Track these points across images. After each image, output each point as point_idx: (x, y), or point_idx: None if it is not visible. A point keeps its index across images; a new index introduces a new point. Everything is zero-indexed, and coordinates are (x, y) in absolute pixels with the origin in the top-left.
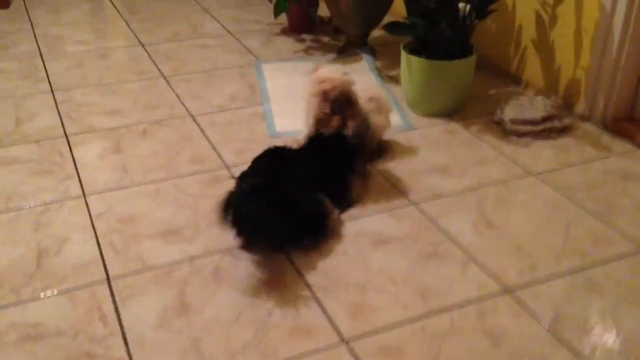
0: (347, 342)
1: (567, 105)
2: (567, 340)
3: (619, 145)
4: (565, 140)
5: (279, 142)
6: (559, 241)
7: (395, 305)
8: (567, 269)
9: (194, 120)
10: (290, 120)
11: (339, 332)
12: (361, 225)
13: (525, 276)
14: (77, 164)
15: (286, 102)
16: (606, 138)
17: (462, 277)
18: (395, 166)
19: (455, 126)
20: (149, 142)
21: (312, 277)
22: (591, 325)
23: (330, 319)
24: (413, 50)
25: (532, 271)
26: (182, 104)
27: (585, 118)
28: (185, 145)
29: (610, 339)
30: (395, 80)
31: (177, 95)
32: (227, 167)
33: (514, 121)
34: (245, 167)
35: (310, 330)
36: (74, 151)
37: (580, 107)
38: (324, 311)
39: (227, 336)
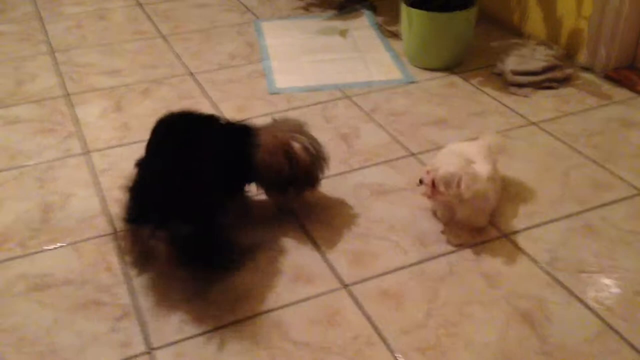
0: (347, 287)
1: (569, 55)
2: (563, 281)
3: (620, 93)
4: (567, 90)
5: (279, 99)
6: (558, 187)
7: (395, 251)
8: (565, 214)
9: (194, 78)
10: (290, 76)
11: (339, 278)
12: (361, 177)
13: (522, 221)
14: (79, 123)
15: (286, 59)
16: (607, 87)
17: None
18: (396, 119)
19: (455, 79)
20: (149, 101)
21: (313, 227)
22: (587, 265)
23: (331, 266)
24: (413, 3)
25: (530, 217)
26: (182, 62)
27: (587, 67)
28: (185, 103)
29: (605, 278)
30: (396, 35)
31: (176, 54)
32: None
33: (514, 72)
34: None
35: (311, 277)
36: (75, 110)
37: (582, 56)
38: (325, 259)
39: (229, 283)
